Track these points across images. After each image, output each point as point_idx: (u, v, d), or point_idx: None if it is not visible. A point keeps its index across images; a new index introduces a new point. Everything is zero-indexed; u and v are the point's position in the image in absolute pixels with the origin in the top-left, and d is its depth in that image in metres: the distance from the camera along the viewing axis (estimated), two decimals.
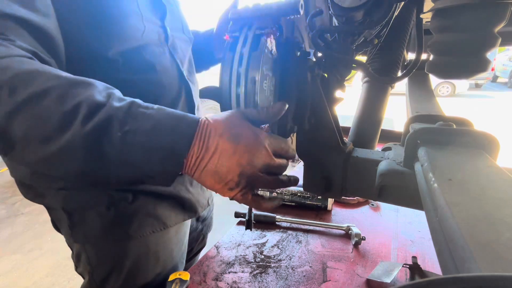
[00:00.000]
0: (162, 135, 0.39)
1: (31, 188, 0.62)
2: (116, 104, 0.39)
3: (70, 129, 0.36)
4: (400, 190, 0.52)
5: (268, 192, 0.99)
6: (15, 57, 0.38)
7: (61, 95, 0.37)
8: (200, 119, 0.43)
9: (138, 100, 0.41)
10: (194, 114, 0.71)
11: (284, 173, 0.49)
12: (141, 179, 0.42)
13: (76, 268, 0.67)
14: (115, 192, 0.61)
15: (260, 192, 1.00)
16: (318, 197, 0.95)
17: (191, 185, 0.72)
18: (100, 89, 0.40)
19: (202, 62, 0.87)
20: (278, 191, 0.99)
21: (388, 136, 1.37)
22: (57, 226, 0.66)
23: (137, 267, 0.65)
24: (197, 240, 0.95)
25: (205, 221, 0.95)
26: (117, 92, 0.41)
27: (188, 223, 0.79)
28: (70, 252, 0.68)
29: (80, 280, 0.68)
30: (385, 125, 0.80)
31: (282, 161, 0.46)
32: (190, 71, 0.72)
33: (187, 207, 0.72)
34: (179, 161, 0.41)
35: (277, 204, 0.49)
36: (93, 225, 0.61)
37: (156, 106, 0.41)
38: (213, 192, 0.91)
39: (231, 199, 0.44)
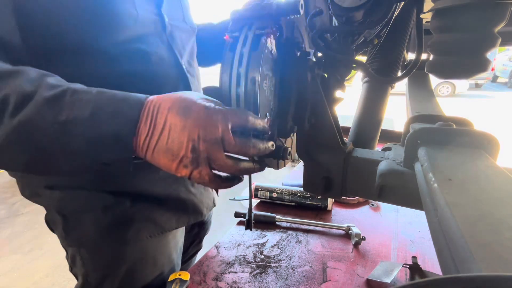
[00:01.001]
0: (103, 122, 0.37)
1: (28, 185, 0.61)
2: (47, 93, 0.36)
3: (1, 125, 0.35)
4: (400, 190, 0.52)
5: (268, 192, 0.99)
6: None
7: None
8: (146, 97, 0.40)
9: (74, 85, 0.39)
10: None
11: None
12: (93, 166, 0.40)
13: (71, 269, 0.66)
14: (113, 196, 0.60)
15: (260, 193, 1.00)
16: (318, 197, 0.95)
17: (192, 185, 0.70)
18: (31, 78, 0.37)
19: (216, 55, 0.83)
20: (278, 191, 0.99)
21: (388, 136, 1.37)
22: (51, 227, 0.65)
23: (134, 271, 0.64)
24: (192, 242, 0.93)
25: (203, 224, 0.93)
26: (53, 79, 0.38)
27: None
28: None
29: None
30: (385, 125, 0.80)
31: (244, 140, 0.41)
32: (190, 63, 0.68)
33: (191, 209, 0.69)
34: (127, 146, 0.38)
35: (236, 183, 0.46)
36: (89, 230, 0.59)
37: (95, 90, 0.39)
38: (215, 194, 0.90)
39: (189, 179, 0.41)
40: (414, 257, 0.69)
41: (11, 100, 0.35)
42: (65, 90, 0.37)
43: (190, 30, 0.70)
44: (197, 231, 0.92)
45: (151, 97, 0.40)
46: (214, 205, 0.78)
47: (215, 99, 0.43)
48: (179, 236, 0.74)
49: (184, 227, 0.78)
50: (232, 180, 0.45)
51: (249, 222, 0.77)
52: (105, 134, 0.37)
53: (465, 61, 0.51)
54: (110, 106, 0.38)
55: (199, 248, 0.98)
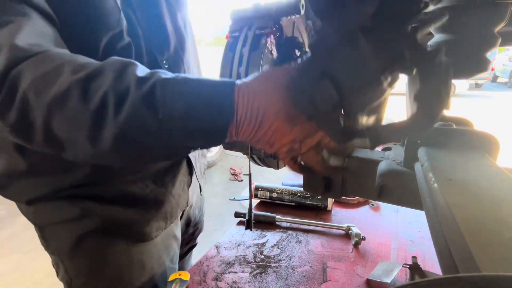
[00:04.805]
0: (198, 117, 0.37)
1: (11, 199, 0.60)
2: (139, 90, 0.37)
3: (106, 126, 0.36)
4: (400, 190, 0.52)
5: (268, 192, 0.99)
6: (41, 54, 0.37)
7: (83, 91, 0.36)
8: (235, 85, 0.39)
9: (159, 74, 0.38)
10: None
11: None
12: (185, 153, 0.46)
13: (57, 275, 0.65)
14: (86, 204, 0.58)
15: (260, 193, 1.00)
16: (318, 197, 0.95)
17: (173, 186, 0.67)
18: (116, 71, 0.38)
19: None
20: (278, 191, 0.99)
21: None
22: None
23: (120, 276, 0.63)
24: (188, 242, 0.92)
25: (197, 224, 0.92)
26: (137, 70, 0.39)
27: (178, 225, 0.76)
28: None
29: None
30: None
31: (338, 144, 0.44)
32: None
33: (168, 212, 0.67)
34: (223, 136, 0.40)
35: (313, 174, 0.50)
36: (64, 240, 0.59)
37: (181, 79, 0.39)
38: (202, 197, 0.88)
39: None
40: (414, 257, 0.69)
41: (110, 100, 0.36)
42: (154, 83, 0.37)
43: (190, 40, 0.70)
44: (192, 232, 0.91)
45: (243, 87, 0.39)
46: (187, 205, 0.75)
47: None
48: (171, 238, 0.71)
49: (179, 228, 0.76)
50: (312, 172, 0.48)
51: (249, 222, 0.77)
52: (201, 128, 0.38)
53: (465, 61, 0.51)
54: (202, 99, 0.38)
55: (193, 245, 0.97)
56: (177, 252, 0.75)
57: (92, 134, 0.37)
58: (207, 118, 0.38)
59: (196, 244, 0.98)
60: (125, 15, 0.51)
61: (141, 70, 0.39)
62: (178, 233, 0.76)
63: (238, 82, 0.40)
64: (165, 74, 0.39)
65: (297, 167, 0.46)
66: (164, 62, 0.59)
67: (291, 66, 0.40)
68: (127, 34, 0.51)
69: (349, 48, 0.34)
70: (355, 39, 0.33)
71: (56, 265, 0.64)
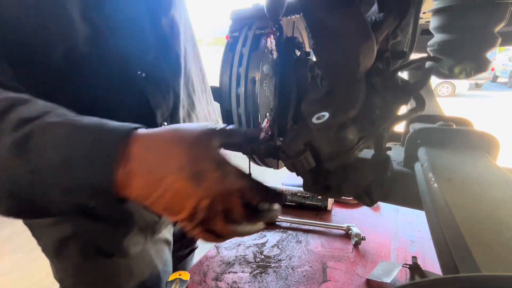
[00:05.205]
0: (76, 170, 0.32)
1: None
2: (13, 134, 0.32)
3: None
4: (400, 190, 0.52)
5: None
6: None
7: None
8: (130, 136, 0.33)
9: (46, 117, 0.33)
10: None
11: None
12: (78, 210, 0.36)
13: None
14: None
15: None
16: (318, 197, 0.95)
17: None
18: None
19: None
20: (278, 191, 0.98)
21: (388, 136, 1.36)
22: None
23: (107, 281, 0.61)
24: (188, 246, 0.91)
25: None
26: (23, 109, 0.33)
27: (170, 230, 0.73)
28: None
29: None
30: None
31: (250, 213, 0.39)
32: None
33: (150, 228, 0.63)
34: (109, 197, 0.33)
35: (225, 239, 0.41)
36: (48, 241, 0.59)
37: (69, 122, 0.33)
38: None
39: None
40: (414, 257, 0.69)
41: None
42: (33, 128, 0.32)
43: None
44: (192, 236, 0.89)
45: (144, 137, 0.34)
46: (174, 225, 0.72)
47: (228, 157, 0.38)
48: (161, 242, 0.69)
49: (171, 233, 0.74)
50: (224, 238, 0.41)
51: None
52: (80, 184, 0.32)
53: (465, 61, 0.51)
54: (82, 149, 0.32)
55: (194, 248, 0.96)
56: (170, 255, 0.73)
57: None
58: (86, 173, 0.32)
59: (196, 247, 0.98)
60: (89, 23, 0.45)
61: (31, 111, 0.34)
62: (170, 237, 0.73)
63: (140, 131, 0.34)
64: (60, 116, 0.34)
65: (208, 234, 0.38)
66: (139, 72, 0.52)
67: (200, 125, 0.37)
68: (90, 44, 0.46)
69: (332, 135, 0.41)
70: (340, 131, 0.41)
71: (50, 264, 0.64)
